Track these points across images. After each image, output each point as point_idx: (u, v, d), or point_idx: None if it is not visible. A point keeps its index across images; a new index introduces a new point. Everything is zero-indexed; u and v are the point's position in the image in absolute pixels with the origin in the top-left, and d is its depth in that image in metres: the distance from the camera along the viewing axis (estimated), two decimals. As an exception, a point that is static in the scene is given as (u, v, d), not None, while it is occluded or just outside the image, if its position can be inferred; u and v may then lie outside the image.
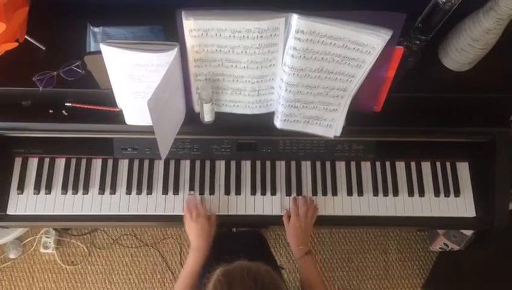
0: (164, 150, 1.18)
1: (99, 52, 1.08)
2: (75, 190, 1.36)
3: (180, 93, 1.19)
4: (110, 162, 1.39)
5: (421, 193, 1.40)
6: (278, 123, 1.25)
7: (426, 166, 1.43)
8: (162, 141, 1.14)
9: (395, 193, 1.40)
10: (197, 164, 1.40)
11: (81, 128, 1.31)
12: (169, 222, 1.39)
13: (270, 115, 1.27)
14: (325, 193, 1.39)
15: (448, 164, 1.43)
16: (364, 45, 1.02)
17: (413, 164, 1.43)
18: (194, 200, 1.33)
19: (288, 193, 1.38)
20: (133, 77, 1.10)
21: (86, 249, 2.23)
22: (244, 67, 1.12)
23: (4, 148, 1.36)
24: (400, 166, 1.42)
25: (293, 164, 1.41)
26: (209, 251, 1.25)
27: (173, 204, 1.37)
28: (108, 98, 1.21)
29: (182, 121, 1.26)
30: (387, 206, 1.39)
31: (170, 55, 1.03)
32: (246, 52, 1.07)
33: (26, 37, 1.22)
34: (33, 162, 1.38)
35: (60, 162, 1.39)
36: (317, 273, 1.24)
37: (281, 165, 1.41)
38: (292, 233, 1.29)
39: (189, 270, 1.22)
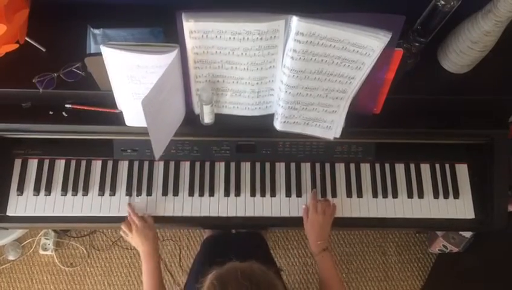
0: (158, 150, 1.18)
1: (99, 54, 1.08)
2: (75, 191, 1.36)
3: (179, 94, 1.19)
4: (109, 163, 1.39)
5: (420, 195, 1.40)
6: (278, 125, 1.25)
7: (425, 168, 1.43)
8: (156, 140, 1.14)
9: (395, 194, 1.40)
10: (197, 165, 1.40)
11: (81, 129, 1.31)
12: (168, 223, 1.39)
13: (270, 117, 1.27)
14: (324, 195, 1.39)
15: (447, 166, 1.43)
16: (364, 47, 1.03)
17: (412, 166, 1.43)
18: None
19: (288, 195, 1.38)
20: (133, 78, 1.11)
21: (85, 251, 2.23)
22: (244, 69, 1.12)
23: (4, 149, 1.36)
24: (399, 168, 1.43)
25: (292, 165, 1.41)
26: (156, 250, 1.27)
27: (173, 205, 1.37)
28: (109, 100, 1.22)
29: (181, 123, 1.26)
30: (386, 208, 1.39)
31: (170, 56, 1.04)
32: (246, 54, 1.08)
33: (26, 38, 1.23)
34: (33, 164, 1.38)
35: (60, 164, 1.39)
36: (335, 271, 1.24)
37: (280, 167, 1.41)
38: (310, 228, 1.30)
39: (148, 275, 1.24)
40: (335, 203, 1.36)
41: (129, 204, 1.35)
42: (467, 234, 1.83)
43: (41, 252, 2.20)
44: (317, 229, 1.29)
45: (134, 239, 1.29)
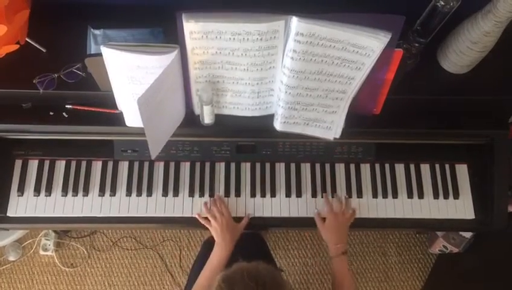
0: (154, 149, 1.18)
1: (99, 55, 1.08)
2: (75, 192, 1.37)
3: (179, 95, 1.19)
4: (110, 164, 1.39)
5: (420, 195, 1.40)
6: (278, 125, 1.26)
7: (425, 168, 1.43)
8: (153, 140, 1.14)
9: (395, 195, 1.40)
10: (197, 165, 1.40)
11: (82, 130, 1.31)
12: (169, 223, 1.40)
13: (270, 117, 1.27)
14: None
15: (447, 166, 1.43)
16: (364, 47, 1.03)
17: (412, 166, 1.43)
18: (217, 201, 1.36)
19: (288, 195, 1.38)
20: (133, 79, 1.11)
21: (85, 252, 2.23)
22: (244, 69, 1.13)
23: (4, 150, 1.36)
24: (399, 168, 1.43)
25: (292, 166, 1.41)
26: (232, 249, 1.27)
27: (173, 206, 1.37)
28: (109, 100, 1.22)
29: (179, 123, 1.26)
30: (386, 208, 1.39)
31: (170, 57, 1.04)
32: (246, 54, 1.08)
33: (27, 39, 1.23)
34: (33, 164, 1.38)
35: (60, 164, 1.39)
36: (350, 275, 1.24)
37: (280, 167, 1.41)
38: (329, 230, 1.29)
39: (212, 263, 1.24)
40: (355, 208, 1.35)
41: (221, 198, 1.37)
42: (467, 235, 1.83)
43: (41, 252, 2.20)
44: (336, 232, 1.28)
45: (214, 230, 1.29)
